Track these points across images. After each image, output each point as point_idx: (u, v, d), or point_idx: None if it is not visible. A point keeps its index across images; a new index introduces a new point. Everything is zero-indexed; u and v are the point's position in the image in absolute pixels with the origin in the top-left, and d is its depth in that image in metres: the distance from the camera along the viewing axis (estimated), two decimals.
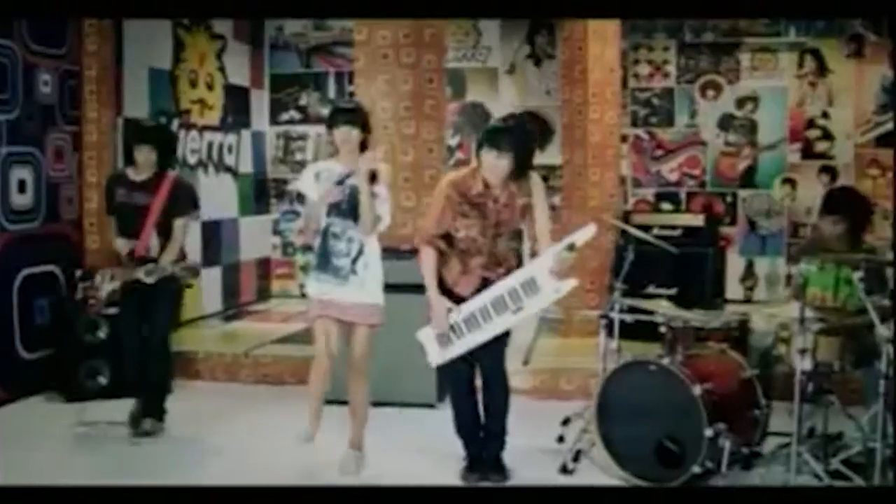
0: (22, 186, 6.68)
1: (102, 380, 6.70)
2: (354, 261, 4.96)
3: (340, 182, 4.95)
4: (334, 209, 4.95)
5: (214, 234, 9.33)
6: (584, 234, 4.72)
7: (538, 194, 4.85)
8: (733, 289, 9.56)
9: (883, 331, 4.47)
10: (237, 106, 9.86)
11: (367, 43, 6.91)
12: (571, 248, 4.69)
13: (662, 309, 5.46)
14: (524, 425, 5.75)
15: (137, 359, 5.84)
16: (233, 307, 9.62)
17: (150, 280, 5.47)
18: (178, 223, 5.81)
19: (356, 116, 5.01)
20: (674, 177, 9.92)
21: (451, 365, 4.98)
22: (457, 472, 5.14)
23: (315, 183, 5.02)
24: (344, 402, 5.51)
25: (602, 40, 7.86)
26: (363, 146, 4.99)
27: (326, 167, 5.08)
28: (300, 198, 5.18)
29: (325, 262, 4.97)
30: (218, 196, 9.37)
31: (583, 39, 7.87)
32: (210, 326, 8.84)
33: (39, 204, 6.85)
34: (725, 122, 9.74)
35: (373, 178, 4.89)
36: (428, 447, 5.62)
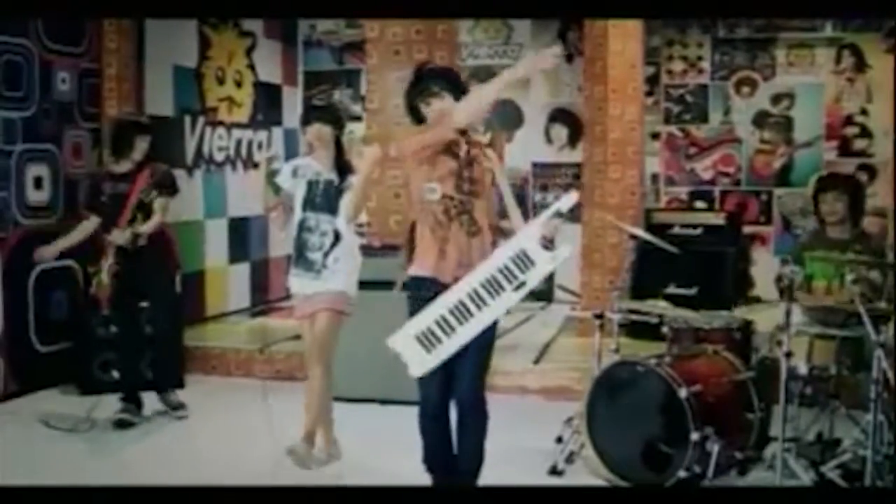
0: (38, 182, 6.80)
1: (116, 373, 6.79)
2: (326, 254, 5.01)
3: None
4: (308, 203, 5.01)
5: (242, 231, 9.40)
6: (568, 201, 4.42)
7: (499, 170, 4.56)
8: (769, 289, 9.36)
9: (874, 335, 4.33)
10: (268, 103, 9.91)
11: (379, 40, 6.90)
12: (559, 215, 4.44)
13: (659, 309, 5.37)
14: (530, 425, 5.74)
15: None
16: (261, 303, 9.67)
17: (122, 241, 5.87)
18: (160, 202, 6.01)
19: (328, 114, 5.16)
20: (708, 175, 9.75)
21: (421, 383, 4.37)
22: None
23: (292, 178, 5.12)
24: (350, 400, 5.60)
25: (623, 36, 7.72)
26: (338, 143, 5.08)
27: (305, 163, 5.19)
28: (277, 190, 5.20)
29: (299, 255, 5.06)
30: (246, 193, 9.43)
31: (603, 35, 7.76)
32: (234, 322, 8.89)
33: (57, 200, 6.95)
34: (760, 120, 9.55)
35: (347, 169, 4.99)
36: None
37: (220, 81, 9.03)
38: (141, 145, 6.01)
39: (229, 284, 9.22)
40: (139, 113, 7.55)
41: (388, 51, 6.87)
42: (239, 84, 9.34)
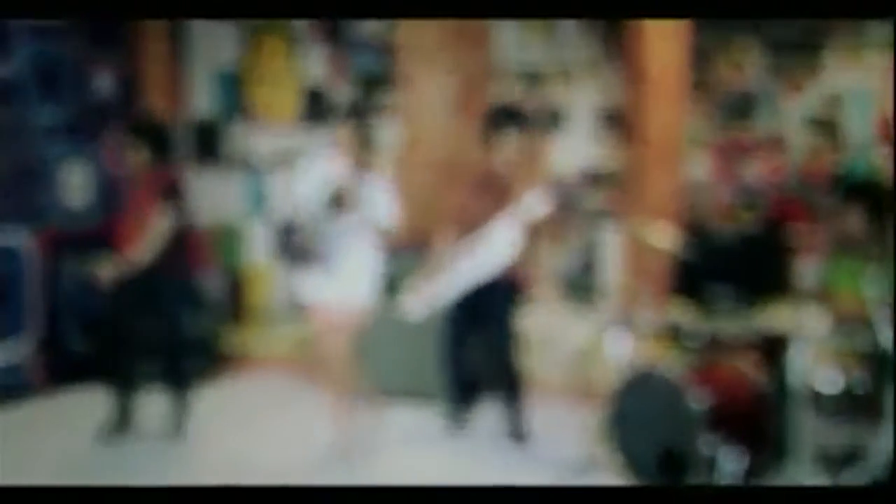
0: (77, 184, 6.90)
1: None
2: (342, 256, 5.15)
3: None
4: (329, 202, 5.07)
5: (284, 233, 9.42)
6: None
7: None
8: None
9: (885, 342, 4.20)
10: (313, 105, 9.93)
11: (411, 41, 6.89)
12: None
13: (686, 316, 5.28)
14: (553, 426, 5.73)
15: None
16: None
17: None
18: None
19: (355, 113, 5.20)
20: (755, 179, 9.54)
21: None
22: (456, 472, 5.14)
23: (319, 178, 5.22)
24: None
25: (662, 35, 7.61)
26: (363, 143, 5.15)
27: (328, 163, 5.25)
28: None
29: (312, 256, 5.09)
30: (287, 196, 9.46)
31: (642, 35, 7.64)
32: (271, 325, 8.93)
33: (95, 202, 7.05)
34: (810, 123, 9.32)
35: (369, 169, 5.07)
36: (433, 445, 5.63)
37: (263, 83, 9.07)
38: (139, 154, 6.01)
39: (270, 286, 9.27)
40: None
41: (420, 52, 6.86)
42: (283, 87, 9.38)
